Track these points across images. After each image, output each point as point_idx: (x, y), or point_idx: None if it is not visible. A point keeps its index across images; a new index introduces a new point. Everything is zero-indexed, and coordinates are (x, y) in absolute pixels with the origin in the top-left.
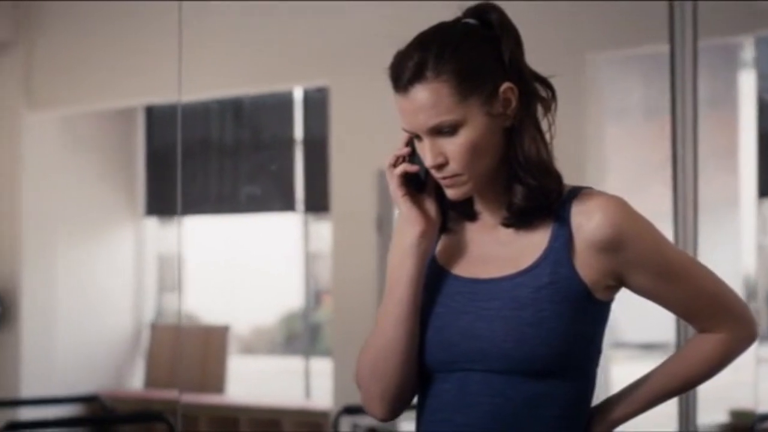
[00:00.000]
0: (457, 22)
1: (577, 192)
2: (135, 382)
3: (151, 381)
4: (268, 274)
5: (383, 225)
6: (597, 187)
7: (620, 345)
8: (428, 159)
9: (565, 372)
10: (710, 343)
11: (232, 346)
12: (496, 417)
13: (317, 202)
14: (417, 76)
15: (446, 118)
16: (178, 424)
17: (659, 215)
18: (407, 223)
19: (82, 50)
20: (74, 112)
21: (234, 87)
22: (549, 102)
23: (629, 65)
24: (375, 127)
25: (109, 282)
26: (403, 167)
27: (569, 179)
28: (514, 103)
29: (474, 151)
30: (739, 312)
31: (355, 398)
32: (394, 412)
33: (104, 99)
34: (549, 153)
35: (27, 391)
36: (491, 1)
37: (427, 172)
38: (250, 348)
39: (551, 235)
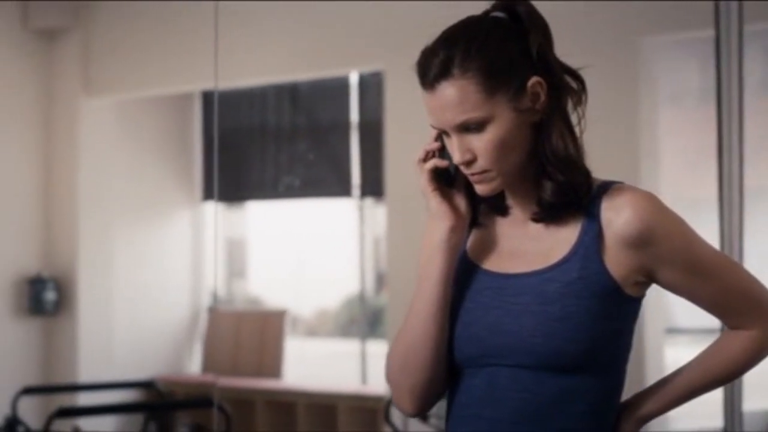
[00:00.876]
0: (484, 16)
1: (607, 187)
2: (194, 367)
3: (209, 366)
4: (330, 258)
5: None
6: (650, 171)
7: (674, 330)
8: (456, 156)
9: (594, 368)
10: (741, 340)
11: (297, 329)
12: (524, 412)
13: (374, 187)
14: (443, 73)
15: (473, 115)
16: (214, 409)
17: (714, 201)
18: (437, 218)
19: (138, 36)
20: (131, 98)
21: (290, 72)
22: (579, 95)
23: (684, 48)
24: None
25: (167, 267)
26: (433, 162)
27: (622, 164)
28: (542, 98)
29: (502, 147)
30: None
31: None
32: (423, 408)
33: (161, 85)
34: (578, 147)
35: (86, 377)
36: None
37: (456, 166)
38: (313, 331)
39: (581, 231)
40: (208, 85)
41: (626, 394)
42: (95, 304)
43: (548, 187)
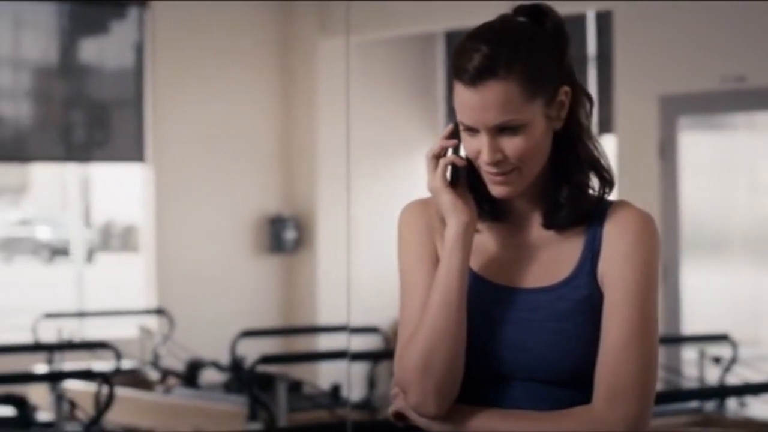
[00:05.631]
0: (514, 19)
1: (610, 203)
2: None
3: None
4: None
5: (665, 150)
6: None
7: None
8: (486, 155)
9: None
10: (582, 410)
11: None
12: None
13: (603, 124)
14: (490, 72)
15: (514, 117)
16: (349, 354)
17: None
18: (453, 213)
19: None
20: (370, 39)
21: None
22: (589, 108)
23: None
24: (660, 50)
25: None
26: (452, 158)
27: None
28: (567, 107)
29: (533, 151)
30: (615, 397)
31: None
32: (445, 409)
33: (400, 25)
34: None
35: (326, 317)
36: (545, 1)
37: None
38: None
39: (585, 245)
40: (451, 24)
41: None
42: (334, 244)
43: (566, 191)
